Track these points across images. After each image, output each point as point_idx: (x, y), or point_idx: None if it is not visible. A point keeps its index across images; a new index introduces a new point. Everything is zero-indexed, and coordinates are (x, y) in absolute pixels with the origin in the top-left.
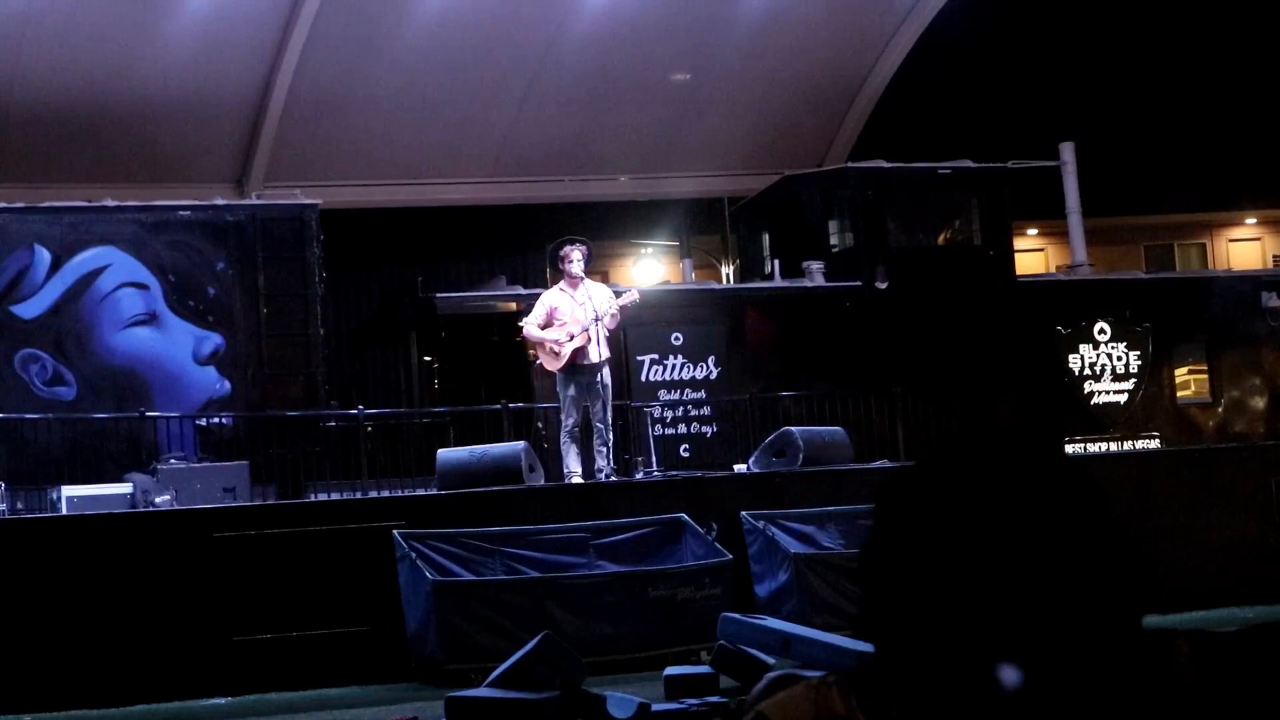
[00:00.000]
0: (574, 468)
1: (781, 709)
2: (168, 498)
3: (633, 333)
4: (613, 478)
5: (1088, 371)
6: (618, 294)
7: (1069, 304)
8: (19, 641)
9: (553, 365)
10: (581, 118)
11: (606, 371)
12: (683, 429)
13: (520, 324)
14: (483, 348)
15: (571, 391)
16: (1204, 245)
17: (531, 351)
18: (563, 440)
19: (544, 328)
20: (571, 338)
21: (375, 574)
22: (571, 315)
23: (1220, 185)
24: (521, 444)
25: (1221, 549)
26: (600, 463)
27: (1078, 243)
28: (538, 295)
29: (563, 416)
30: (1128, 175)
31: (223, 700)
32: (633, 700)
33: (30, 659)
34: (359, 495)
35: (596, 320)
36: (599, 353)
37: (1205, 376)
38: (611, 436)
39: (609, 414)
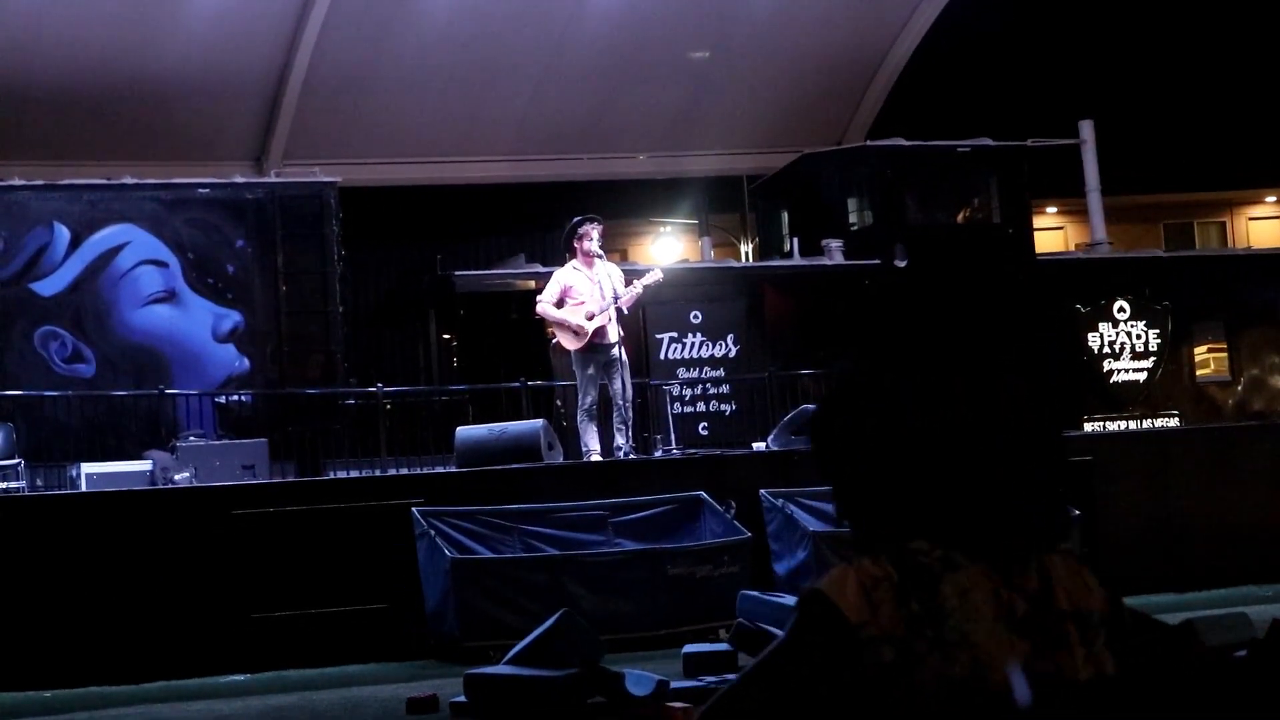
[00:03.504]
0: (592, 446)
1: (834, 584)
2: (187, 475)
3: (652, 311)
4: (632, 455)
5: (1107, 350)
6: (639, 274)
7: (1088, 282)
8: (39, 619)
9: (573, 344)
10: (600, 96)
11: (622, 349)
12: (701, 407)
13: (536, 301)
14: (502, 326)
15: (589, 370)
16: (1224, 223)
17: (550, 330)
18: (580, 419)
19: (558, 305)
20: (592, 317)
21: (394, 551)
22: (589, 294)
23: (1240, 163)
24: (540, 422)
25: (1241, 527)
26: (619, 440)
27: (1097, 221)
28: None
29: (580, 395)
30: (1147, 153)
31: (241, 677)
32: (651, 677)
33: (50, 636)
34: (378, 473)
35: (616, 300)
36: (615, 332)
37: (1224, 355)
38: (631, 415)
39: (629, 391)
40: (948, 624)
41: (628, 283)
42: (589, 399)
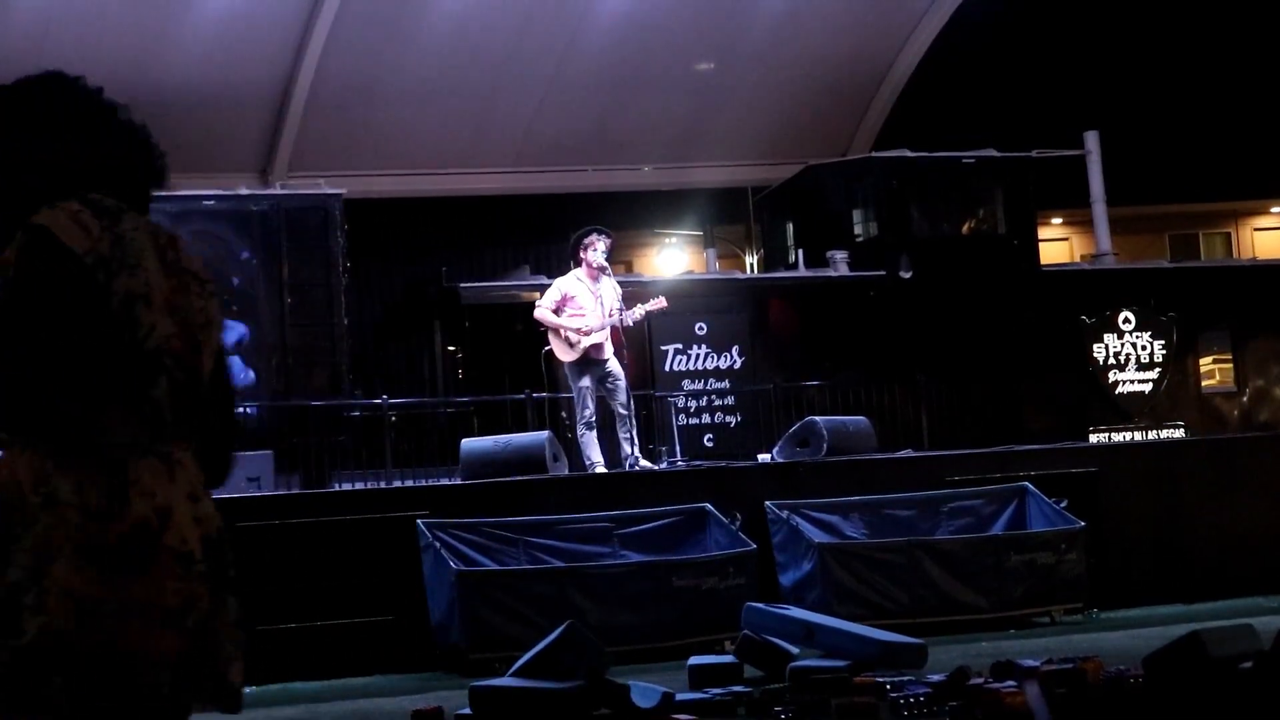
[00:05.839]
0: (595, 458)
1: (50, 220)
2: None
3: (656, 322)
4: (642, 462)
5: (1112, 361)
6: (644, 296)
7: (1093, 293)
8: None
9: (566, 356)
10: (605, 107)
11: (616, 363)
12: (706, 418)
13: (535, 304)
14: (507, 337)
15: (585, 383)
16: (1229, 234)
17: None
18: (580, 432)
19: (556, 313)
20: (590, 332)
21: (399, 563)
22: (590, 307)
23: (1245, 174)
24: (545, 433)
25: (1247, 538)
26: (627, 449)
27: (1102, 232)
28: None
29: (578, 408)
30: (1152, 164)
31: (247, 689)
32: (657, 690)
33: None
34: (383, 485)
35: (621, 312)
36: (609, 347)
37: (1230, 365)
38: (635, 425)
39: (631, 402)
40: (129, 249)
41: (628, 304)
42: (588, 411)
